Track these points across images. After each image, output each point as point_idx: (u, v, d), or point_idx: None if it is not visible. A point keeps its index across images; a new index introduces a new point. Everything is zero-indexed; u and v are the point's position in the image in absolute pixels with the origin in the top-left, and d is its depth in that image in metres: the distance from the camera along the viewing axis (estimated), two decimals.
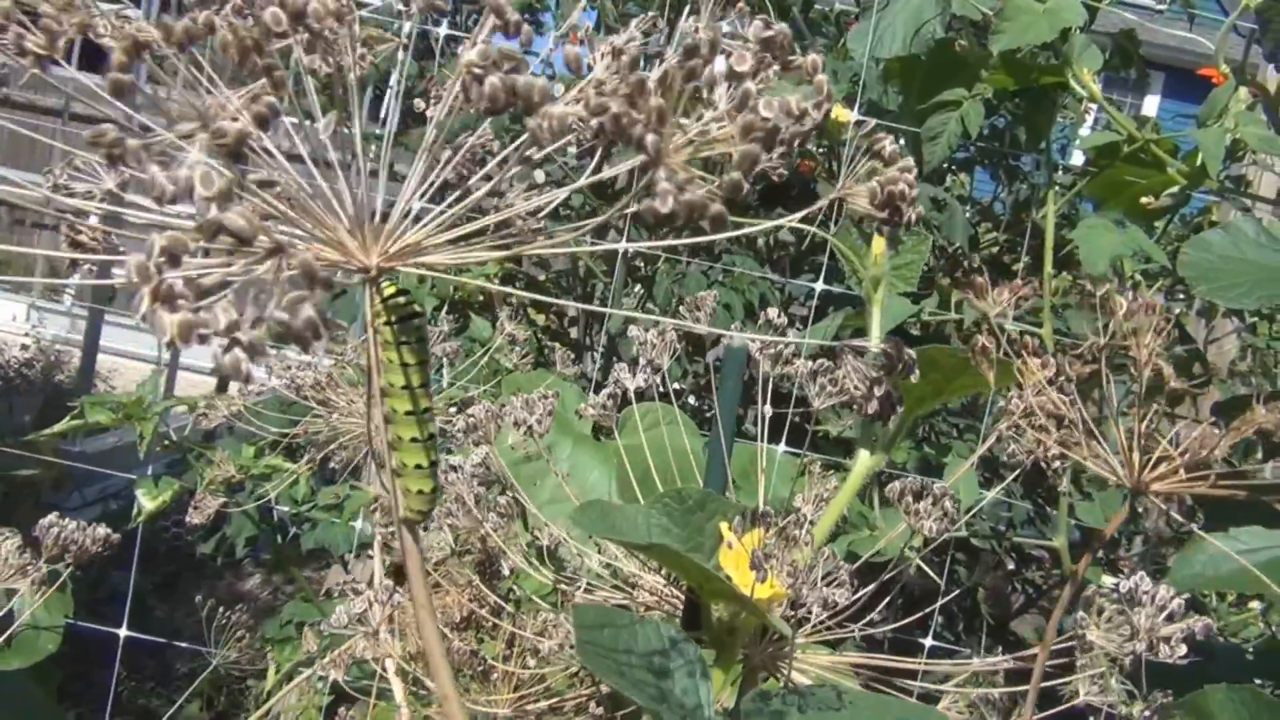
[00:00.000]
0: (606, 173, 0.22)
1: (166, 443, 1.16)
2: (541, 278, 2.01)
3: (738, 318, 1.73)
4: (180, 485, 1.13)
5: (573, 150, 0.26)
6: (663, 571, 0.61)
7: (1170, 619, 0.39)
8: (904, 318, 1.26)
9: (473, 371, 1.01)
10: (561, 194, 0.25)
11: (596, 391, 0.64)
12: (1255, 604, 1.65)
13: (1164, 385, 0.29)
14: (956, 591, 1.49)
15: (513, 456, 0.80)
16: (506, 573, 0.63)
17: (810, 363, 0.50)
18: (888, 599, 0.58)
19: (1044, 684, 0.57)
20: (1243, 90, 1.13)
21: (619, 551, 0.62)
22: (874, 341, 0.49)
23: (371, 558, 1.59)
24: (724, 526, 0.51)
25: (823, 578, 0.41)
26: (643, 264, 1.96)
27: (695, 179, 0.18)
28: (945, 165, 1.71)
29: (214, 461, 1.05)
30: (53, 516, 0.52)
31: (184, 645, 1.50)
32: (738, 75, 0.19)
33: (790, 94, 0.20)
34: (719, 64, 0.19)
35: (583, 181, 0.23)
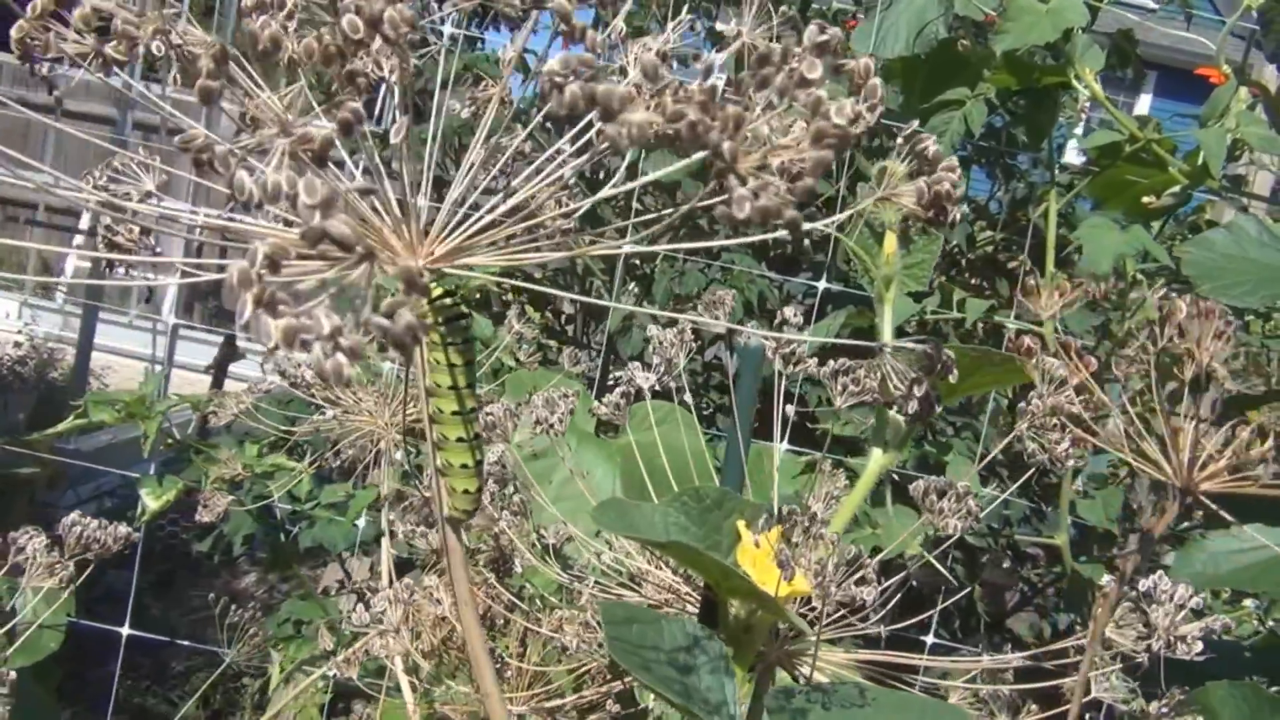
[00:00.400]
0: (661, 173, 0.22)
1: (170, 441, 1.16)
2: (538, 275, 2.01)
3: (737, 316, 1.73)
4: (185, 483, 1.13)
5: (567, 150, 0.26)
6: (673, 568, 0.62)
7: (1189, 617, 0.39)
8: (906, 316, 1.27)
9: (476, 371, 1.01)
10: (595, 197, 0.25)
11: (595, 390, 0.65)
12: (1249, 602, 1.65)
13: (1220, 388, 0.29)
14: (961, 589, 1.49)
15: (520, 455, 0.80)
16: (519, 570, 0.64)
17: (833, 362, 0.50)
18: (896, 597, 0.59)
19: (1046, 683, 0.58)
20: (1243, 90, 1.14)
21: (631, 547, 0.62)
22: (888, 340, 0.49)
23: (368, 556, 1.59)
24: (741, 524, 0.51)
25: (847, 575, 0.41)
26: (639, 262, 1.96)
27: (769, 185, 0.18)
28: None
29: (220, 460, 1.04)
30: (75, 514, 0.52)
31: (180, 644, 1.50)
32: (808, 82, 0.20)
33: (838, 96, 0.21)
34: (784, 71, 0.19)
35: (640, 181, 0.23)
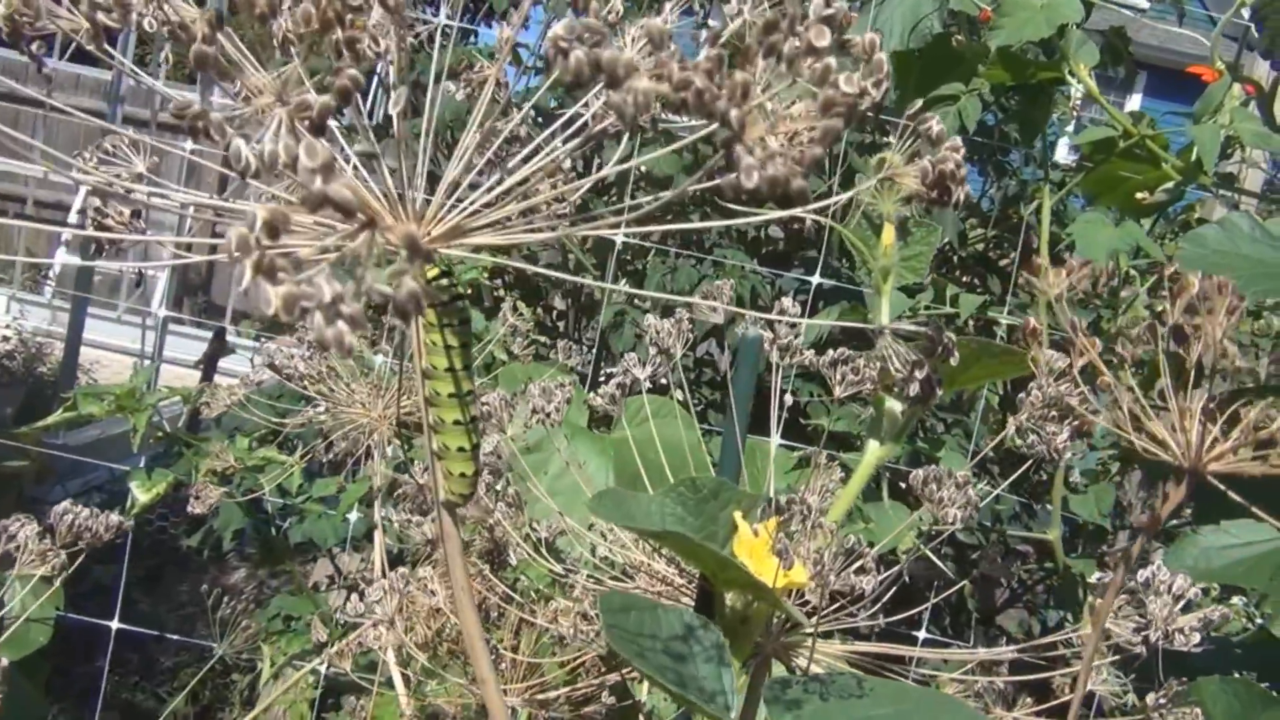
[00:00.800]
0: (656, 154, 0.22)
1: (160, 434, 1.15)
2: (529, 271, 2.01)
3: (728, 312, 1.73)
4: (175, 477, 1.12)
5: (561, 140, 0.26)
6: (668, 559, 0.61)
7: (1186, 609, 0.39)
8: (900, 311, 1.27)
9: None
10: (593, 179, 0.25)
11: (588, 385, 0.65)
12: (1237, 598, 1.66)
13: (1230, 366, 0.29)
14: (950, 586, 1.49)
15: (513, 448, 0.80)
16: (514, 562, 0.63)
17: (831, 352, 0.50)
18: (890, 590, 0.59)
19: (1036, 676, 0.58)
20: (1236, 87, 1.14)
21: (626, 539, 0.62)
22: (889, 329, 0.49)
23: (359, 551, 1.59)
24: (738, 515, 0.51)
25: (845, 566, 0.41)
26: (631, 257, 1.95)
27: (776, 154, 0.18)
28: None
29: (210, 453, 1.04)
30: (66, 503, 0.52)
31: (169, 638, 1.49)
32: (817, 51, 0.19)
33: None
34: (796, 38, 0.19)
35: (635, 162, 0.23)
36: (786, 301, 0.55)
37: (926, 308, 1.39)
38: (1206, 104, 1.12)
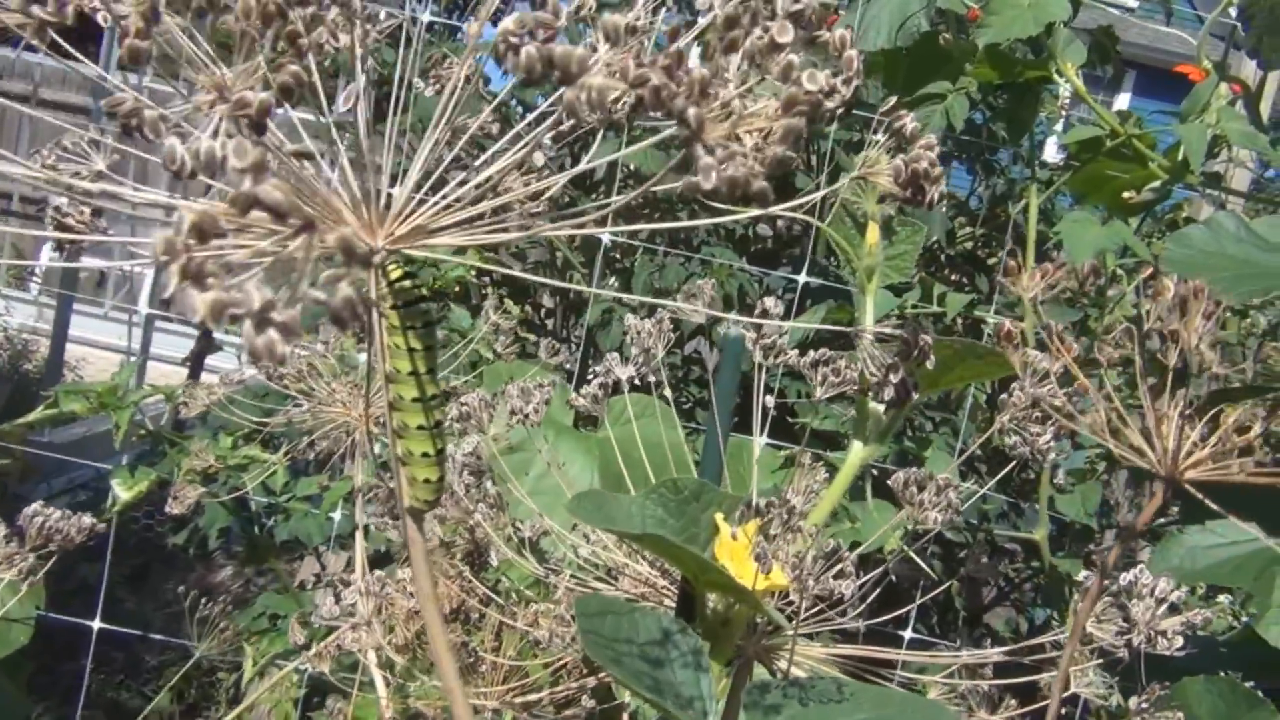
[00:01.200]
0: (626, 151, 0.21)
1: (142, 432, 1.14)
2: (517, 269, 2.00)
3: (716, 309, 1.72)
4: (158, 475, 1.11)
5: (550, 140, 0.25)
6: (650, 561, 0.61)
7: (1169, 612, 0.39)
8: (887, 310, 1.26)
9: (453, 363, 1.00)
10: (565, 176, 0.24)
11: (574, 383, 0.64)
12: (1224, 597, 1.67)
13: (1205, 371, 0.28)
14: (937, 585, 1.49)
15: (497, 448, 0.79)
16: (495, 563, 0.63)
17: (812, 352, 0.49)
18: (875, 591, 0.58)
19: (1023, 679, 0.57)
20: (1223, 86, 1.14)
21: (608, 540, 0.61)
22: (872, 329, 0.48)
23: (345, 550, 1.58)
24: (719, 517, 0.50)
25: (825, 569, 0.41)
26: (619, 256, 1.95)
27: (737, 154, 0.18)
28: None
29: (191, 451, 1.03)
30: (37, 505, 0.51)
31: (154, 637, 1.49)
32: (779, 47, 0.19)
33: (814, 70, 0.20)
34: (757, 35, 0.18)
35: (599, 160, 0.22)
36: (769, 301, 0.54)
37: (914, 307, 1.39)
38: (1193, 103, 1.12)
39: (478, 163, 0.25)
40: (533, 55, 0.18)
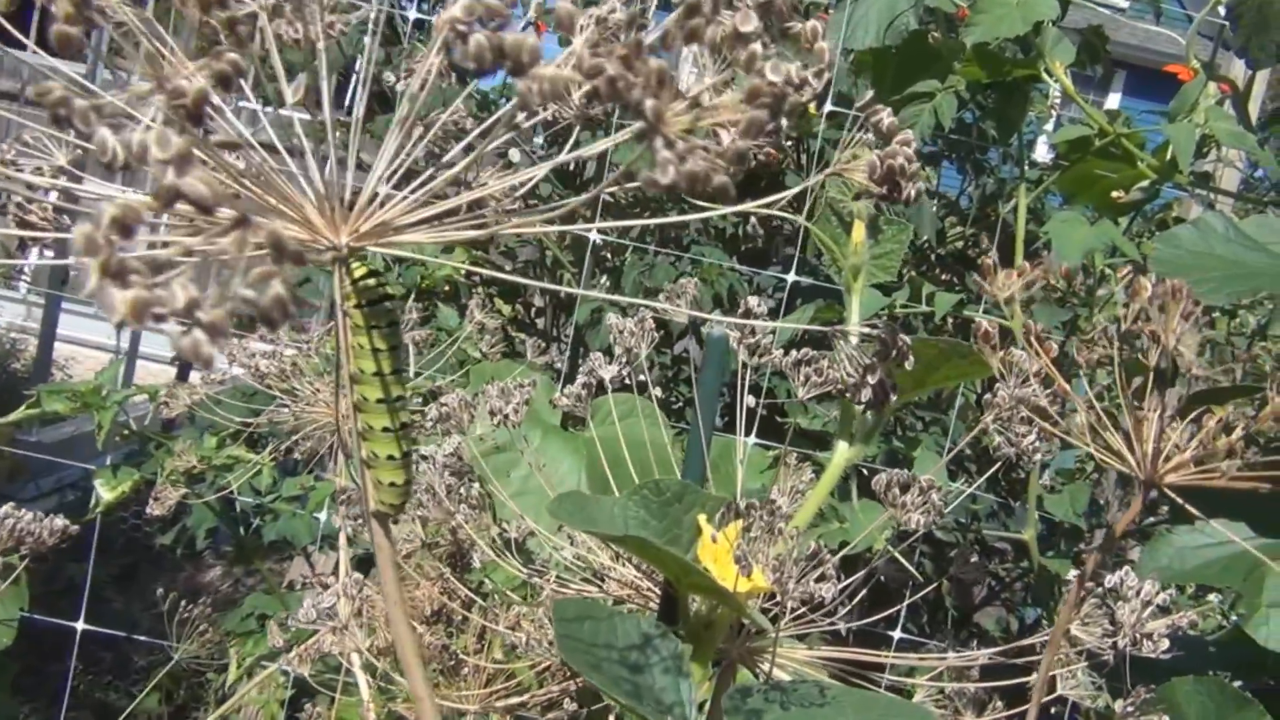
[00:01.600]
0: (590, 149, 0.21)
1: (126, 432, 1.13)
2: (508, 268, 1.99)
3: (707, 309, 1.72)
4: (140, 476, 1.10)
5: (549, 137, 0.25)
6: (635, 563, 0.60)
7: (1155, 614, 0.38)
8: (875, 310, 1.26)
9: (439, 362, 0.99)
10: (540, 171, 0.24)
11: (562, 382, 0.63)
12: (1214, 596, 1.67)
13: (1186, 373, 0.28)
14: (930, 584, 1.49)
15: (482, 447, 0.78)
16: (477, 565, 0.62)
17: (795, 352, 0.49)
18: (861, 592, 0.58)
19: (1013, 680, 0.57)
20: (1211, 86, 1.14)
21: (592, 543, 0.61)
22: (857, 329, 0.48)
23: (335, 550, 1.57)
24: (702, 519, 0.50)
25: (807, 571, 0.40)
26: (610, 255, 1.94)
27: (697, 148, 0.17)
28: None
29: (175, 452, 1.02)
30: (8, 507, 0.50)
31: (142, 639, 1.48)
32: (743, 37, 0.18)
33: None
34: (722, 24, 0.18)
35: (564, 157, 0.22)
36: (753, 301, 0.54)
37: (903, 306, 1.39)
38: (1181, 103, 1.12)
39: (446, 157, 0.24)
40: (481, 44, 0.17)
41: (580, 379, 0.61)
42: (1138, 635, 0.41)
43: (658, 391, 1.91)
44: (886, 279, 0.60)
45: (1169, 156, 1.13)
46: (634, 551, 0.54)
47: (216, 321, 0.15)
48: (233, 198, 0.16)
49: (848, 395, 0.37)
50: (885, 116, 0.26)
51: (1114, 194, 1.19)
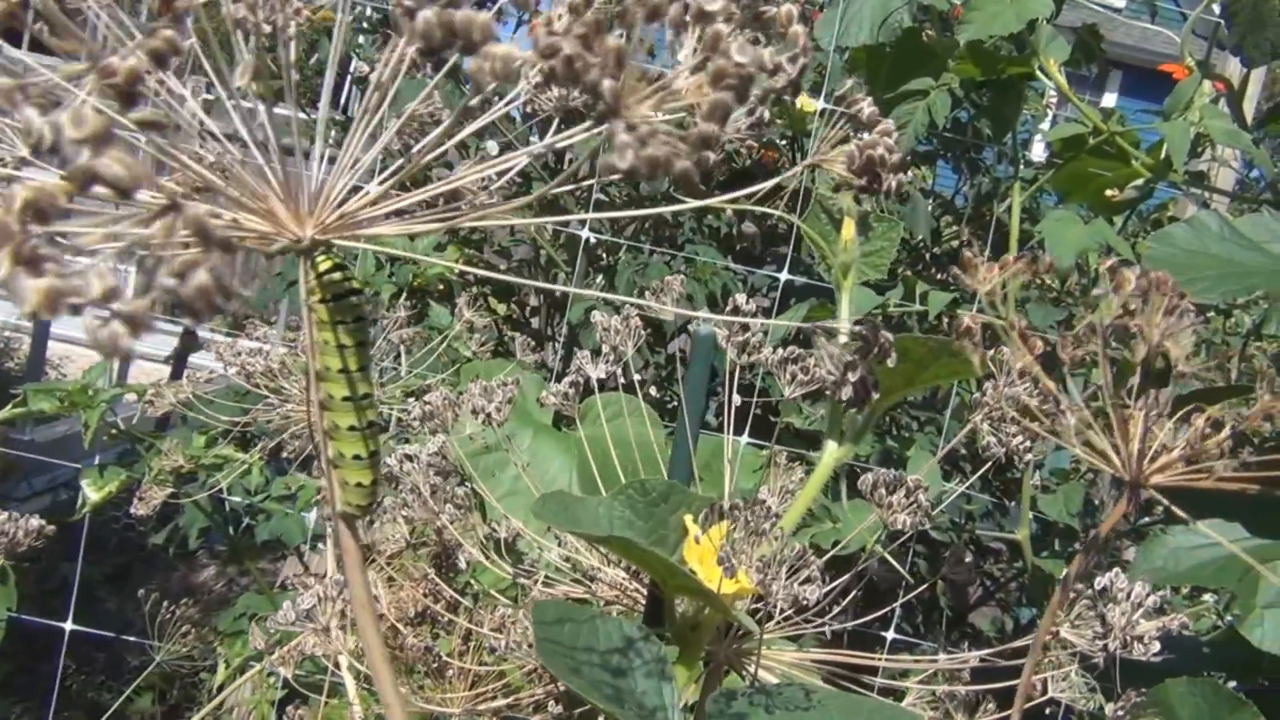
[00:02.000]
0: (559, 138, 0.20)
1: (114, 432, 1.12)
2: (502, 267, 1.98)
3: (700, 308, 1.71)
4: (128, 475, 1.10)
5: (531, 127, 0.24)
6: (623, 564, 0.60)
7: (1147, 616, 0.38)
8: (869, 309, 1.25)
9: (430, 360, 0.99)
10: (511, 161, 0.23)
11: (558, 381, 0.63)
12: (1209, 597, 1.66)
13: (1171, 371, 0.27)
14: (921, 585, 1.49)
15: (472, 446, 0.77)
16: (464, 566, 0.61)
17: (781, 350, 0.48)
18: (853, 592, 0.57)
19: (1007, 683, 0.56)
20: (1206, 84, 1.14)
21: (579, 544, 0.60)
22: (846, 327, 0.47)
23: (326, 549, 1.56)
24: (688, 519, 0.49)
25: (792, 572, 0.39)
26: (604, 254, 1.94)
27: (659, 132, 0.16)
28: (908, 158, 1.71)
29: (162, 451, 1.01)
30: None
31: (133, 639, 1.47)
32: (707, 16, 0.17)
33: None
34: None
35: (538, 148, 0.21)
36: (740, 299, 0.53)
37: (896, 305, 1.38)
38: (1176, 101, 1.12)
39: (415, 148, 0.23)
40: (430, 21, 0.16)
41: (568, 378, 0.61)
42: (1128, 638, 0.40)
43: (652, 390, 1.91)
44: (877, 277, 0.59)
45: (1164, 155, 1.13)
46: (618, 552, 0.53)
47: (136, 312, 0.14)
48: (158, 177, 0.16)
49: (828, 393, 0.37)
50: (865, 106, 0.25)
51: (1108, 193, 1.18)
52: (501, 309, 2.01)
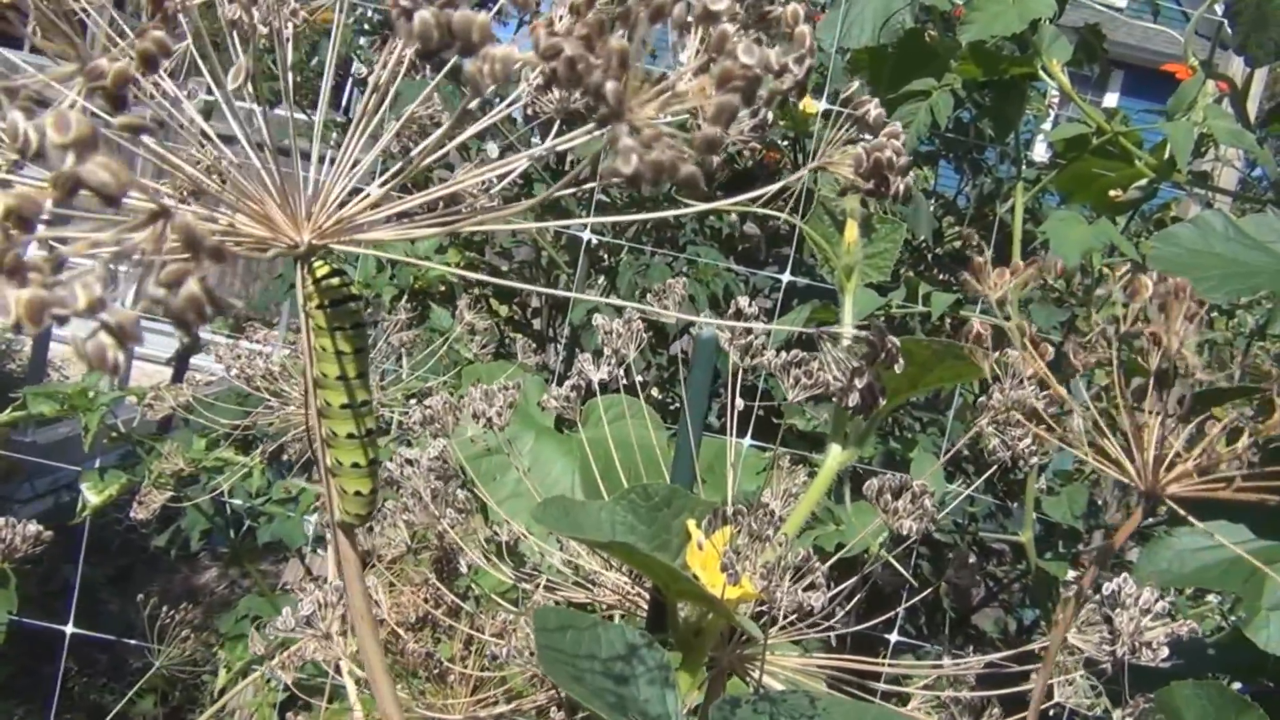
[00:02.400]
0: (560, 140, 0.20)
1: (114, 435, 1.12)
2: (504, 268, 1.98)
3: (702, 309, 1.71)
4: (129, 478, 1.09)
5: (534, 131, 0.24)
6: (626, 569, 0.59)
7: (1172, 615, 0.37)
8: (871, 310, 1.25)
9: (431, 362, 0.98)
10: (512, 164, 0.23)
11: (559, 383, 0.62)
12: (1212, 598, 1.66)
13: (1188, 377, 0.27)
14: (924, 588, 1.48)
15: (474, 450, 0.77)
16: (465, 570, 0.61)
17: (785, 353, 0.48)
18: (858, 596, 0.57)
19: (1011, 688, 0.56)
20: (1209, 84, 1.13)
21: (581, 549, 0.60)
22: (849, 330, 0.47)
23: (327, 553, 1.56)
24: (691, 524, 0.48)
25: (796, 578, 0.39)
26: (606, 255, 1.93)
27: (663, 136, 0.16)
28: (910, 158, 1.70)
29: (163, 454, 1.01)
30: None
31: (133, 642, 1.47)
32: (713, 15, 0.17)
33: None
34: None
35: (539, 150, 0.21)
36: (743, 301, 0.53)
37: (899, 306, 1.38)
38: (1179, 101, 1.11)
39: (414, 152, 0.23)
40: (428, 21, 0.16)
41: (569, 381, 0.60)
42: (1136, 644, 0.40)
43: (654, 392, 1.90)
44: (880, 279, 0.59)
45: (1167, 155, 1.12)
46: (621, 558, 0.53)
47: (124, 323, 0.14)
48: (148, 184, 0.15)
49: (834, 399, 0.36)
50: (872, 108, 0.25)
51: (1112, 193, 1.18)
52: (503, 310, 2.01)
